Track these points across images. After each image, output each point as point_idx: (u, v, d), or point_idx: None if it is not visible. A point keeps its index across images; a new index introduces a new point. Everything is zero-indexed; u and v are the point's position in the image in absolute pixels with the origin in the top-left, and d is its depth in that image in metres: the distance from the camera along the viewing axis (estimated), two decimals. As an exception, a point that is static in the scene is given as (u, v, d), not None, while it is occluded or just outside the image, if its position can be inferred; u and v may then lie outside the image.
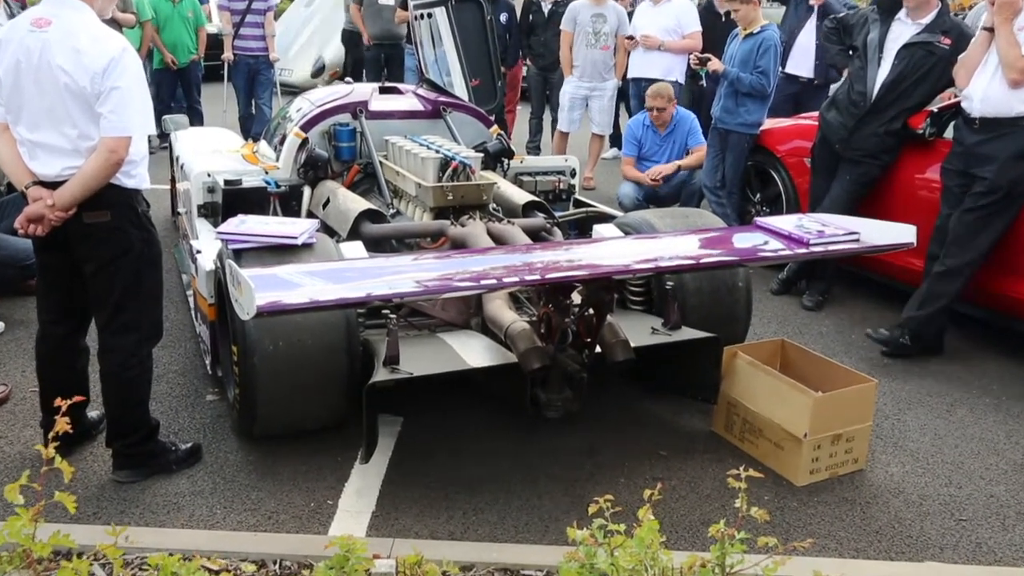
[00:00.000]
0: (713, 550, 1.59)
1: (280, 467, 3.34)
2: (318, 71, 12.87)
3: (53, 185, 2.90)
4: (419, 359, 3.21)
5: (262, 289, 2.44)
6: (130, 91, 2.88)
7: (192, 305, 4.43)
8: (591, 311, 3.17)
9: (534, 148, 8.86)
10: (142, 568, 2.54)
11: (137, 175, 3.04)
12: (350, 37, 10.14)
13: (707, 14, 7.96)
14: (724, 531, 1.61)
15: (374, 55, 9.20)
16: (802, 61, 7.14)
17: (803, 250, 3.20)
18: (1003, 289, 4.47)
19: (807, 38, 7.10)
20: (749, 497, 1.81)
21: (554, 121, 8.58)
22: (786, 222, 3.38)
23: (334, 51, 13.18)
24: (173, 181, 6.11)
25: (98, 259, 3.03)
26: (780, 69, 6.29)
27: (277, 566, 2.68)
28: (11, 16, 5.51)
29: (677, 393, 3.86)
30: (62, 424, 1.90)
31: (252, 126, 8.60)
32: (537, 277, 2.98)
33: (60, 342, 3.23)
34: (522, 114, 9.73)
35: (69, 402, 1.97)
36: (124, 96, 2.87)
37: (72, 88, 2.85)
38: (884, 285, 5.37)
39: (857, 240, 3.24)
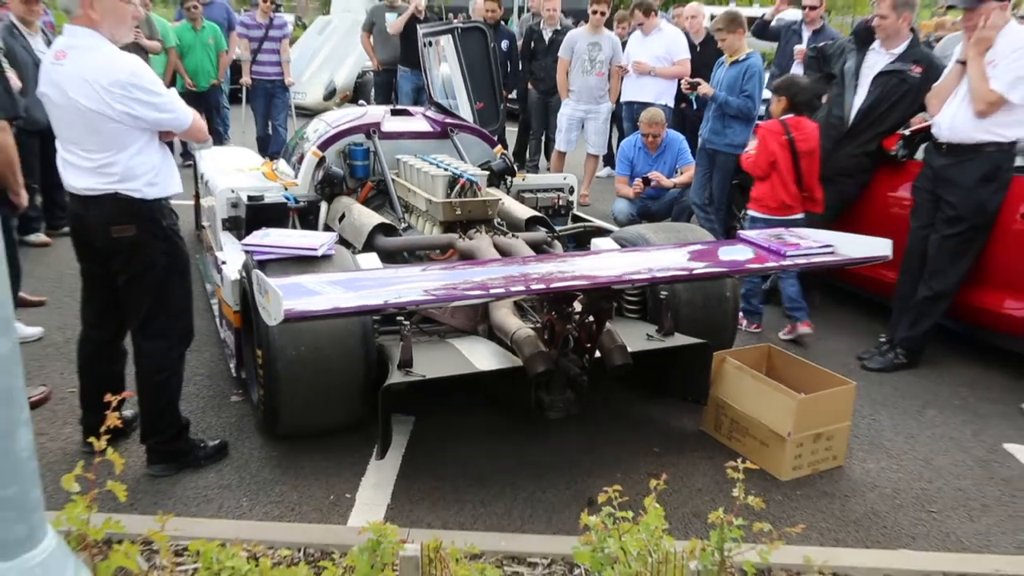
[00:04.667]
0: (713, 535, 1.64)
1: (301, 463, 3.38)
2: (330, 94, 13.00)
3: (81, 197, 2.96)
4: (431, 363, 3.24)
5: (289, 297, 2.49)
6: (148, 104, 2.89)
7: (216, 312, 4.47)
8: (592, 318, 3.21)
9: (533, 167, 8.92)
10: (178, 555, 2.59)
11: (159, 183, 3.01)
12: None
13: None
14: (723, 518, 1.65)
15: (384, 79, 9.27)
16: None
17: (783, 262, 3.26)
18: (971, 302, 4.53)
19: (797, 71, 7.24)
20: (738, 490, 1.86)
21: (551, 142, 8.66)
22: (767, 236, 3.44)
23: (344, 75, 13.32)
24: (197, 196, 6.16)
25: (127, 272, 3.07)
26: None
27: (302, 553, 2.73)
28: (48, 43, 5.57)
29: (670, 395, 3.91)
30: (112, 419, 1.95)
31: (269, 145, 8.67)
32: (542, 286, 3.02)
33: (100, 345, 3.28)
34: (508, 135, 9.68)
35: (119, 397, 2.02)
36: (142, 107, 2.89)
37: (88, 117, 2.85)
38: (858, 296, 5.43)
39: (832, 252, 3.29)
